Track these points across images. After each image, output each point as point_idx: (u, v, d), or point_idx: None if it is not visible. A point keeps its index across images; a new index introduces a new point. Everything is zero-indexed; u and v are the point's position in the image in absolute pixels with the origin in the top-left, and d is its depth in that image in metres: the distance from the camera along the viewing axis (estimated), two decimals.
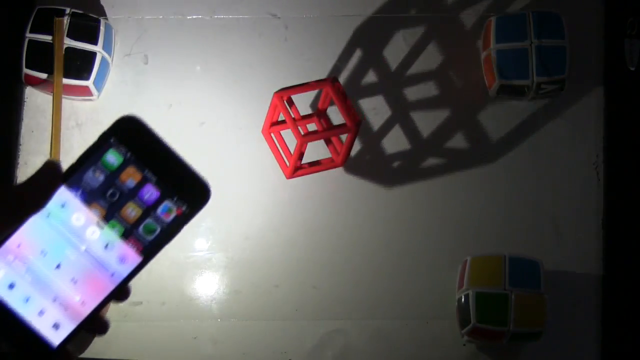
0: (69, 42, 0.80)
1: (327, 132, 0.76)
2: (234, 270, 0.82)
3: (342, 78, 0.84)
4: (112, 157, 0.43)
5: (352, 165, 0.84)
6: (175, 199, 0.43)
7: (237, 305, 0.81)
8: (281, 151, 0.81)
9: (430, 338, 0.81)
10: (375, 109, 0.85)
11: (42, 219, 0.42)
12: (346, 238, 0.83)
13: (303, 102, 0.81)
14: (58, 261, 0.43)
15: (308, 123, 0.81)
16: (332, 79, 0.76)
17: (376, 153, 0.84)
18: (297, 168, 0.79)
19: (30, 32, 0.80)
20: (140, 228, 0.43)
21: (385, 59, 0.86)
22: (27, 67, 0.80)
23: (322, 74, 0.77)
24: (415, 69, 0.86)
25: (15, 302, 0.42)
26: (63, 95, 0.80)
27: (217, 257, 0.82)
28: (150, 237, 0.43)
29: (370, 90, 0.86)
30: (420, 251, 0.82)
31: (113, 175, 0.43)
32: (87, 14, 0.82)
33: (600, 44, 0.86)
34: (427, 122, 0.85)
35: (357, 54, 0.86)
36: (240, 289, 0.82)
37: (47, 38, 0.80)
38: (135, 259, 0.44)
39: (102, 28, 0.82)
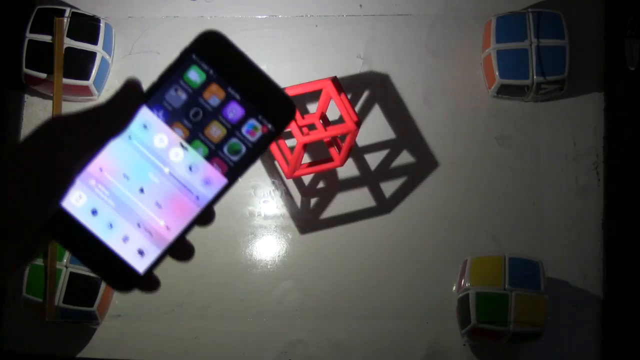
0: (69, 42, 0.80)
1: (327, 132, 0.76)
2: (233, 271, 0.82)
3: (342, 78, 0.84)
4: (195, 74, 0.41)
5: (352, 165, 0.84)
6: (260, 116, 0.41)
7: (237, 305, 0.81)
8: (281, 151, 0.81)
9: (430, 338, 0.81)
10: (374, 110, 0.85)
11: (124, 141, 0.40)
12: (346, 238, 0.83)
13: (303, 102, 0.81)
14: (141, 185, 0.41)
15: (308, 123, 0.81)
16: (332, 79, 0.76)
17: (376, 153, 0.84)
18: (297, 168, 0.79)
19: (30, 32, 0.80)
20: (225, 148, 0.41)
21: (385, 59, 0.86)
22: (27, 67, 0.80)
23: (322, 74, 0.77)
24: (415, 68, 0.86)
25: (98, 229, 0.41)
26: (63, 95, 0.80)
27: (217, 257, 0.82)
28: (236, 157, 0.41)
29: (370, 91, 0.86)
30: (420, 251, 0.82)
31: (196, 93, 0.41)
32: (87, 14, 0.82)
33: (600, 44, 0.86)
34: (427, 122, 0.85)
35: (357, 54, 0.86)
36: (240, 289, 0.82)
37: (47, 38, 0.80)
38: (220, 180, 0.42)
39: (102, 28, 0.82)
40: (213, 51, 0.41)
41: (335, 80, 0.76)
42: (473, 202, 0.83)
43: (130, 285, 0.42)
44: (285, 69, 0.85)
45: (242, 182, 0.83)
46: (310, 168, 0.80)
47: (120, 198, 0.41)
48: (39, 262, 0.76)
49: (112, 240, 0.41)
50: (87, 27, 0.81)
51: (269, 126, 0.41)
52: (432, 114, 0.85)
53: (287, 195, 0.84)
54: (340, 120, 0.76)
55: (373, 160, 0.84)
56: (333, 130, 0.76)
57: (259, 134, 0.41)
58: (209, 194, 0.42)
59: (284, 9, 0.87)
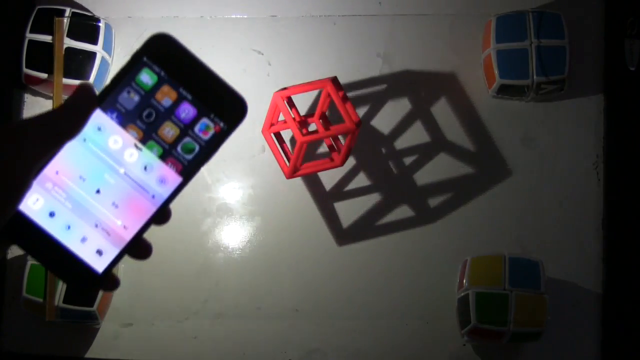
0: (69, 42, 0.80)
1: (327, 132, 0.76)
2: (233, 270, 0.82)
3: (342, 78, 0.84)
4: (146, 76, 0.41)
5: (352, 165, 0.84)
6: (212, 116, 0.42)
7: (237, 305, 0.81)
8: (281, 151, 0.81)
9: (430, 338, 0.81)
10: (374, 109, 0.85)
11: (79, 144, 0.41)
12: (346, 238, 0.83)
13: (303, 102, 0.81)
14: (97, 186, 0.42)
15: (308, 123, 0.81)
16: (332, 79, 0.76)
17: (376, 153, 0.84)
18: (297, 168, 0.79)
19: (30, 32, 0.80)
20: (179, 147, 0.42)
21: (385, 59, 0.86)
22: (27, 67, 0.80)
23: (322, 74, 0.77)
24: (415, 68, 0.86)
25: (57, 231, 0.41)
26: (63, 95, 0.80)
27: (217, 257, 0.82)
28: (190, 156, 0.42)
29: (370, 90, 0.86)
30: (421, 251, 0.82)
31: (148, 95, 0.42)
32: (87, 14, 0.82)
33: (600, 44, 0.86)
34: (427, 121, 0.85)
35: (357, 54, 0.86)
36: (240, 288, 0.82)
37: (47, 38, 0.80)
38: (175, 179, 0.43)
39: (102, 28, 0.82)
40: (164, 53, 0.41)
41: (335, 80, 0.76)
42: (473, 202, 0.83)
43: (90, 285, 0.42)
44: (285, 69, 0.85)
45: (243, 179, 0.83)
46: (311, 168, 0.80)
47: (77, 200, 0.42)
48: None
49: (71, 242, 0.42)
50: (87, 27, 0.81)
51: (222, 125, 0.42)
52: (432, 114, 0.85)
53: (284, 194, 0.84)
54: (341, 120, 0.76)
55: (373, 160, 0.84)
56: (333, 130, 0.76)
57: (211, 133, 0.42)
58: (164, 192, 0.43)
59: (284, 9, 0.87)
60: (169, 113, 0.42)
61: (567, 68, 0.80)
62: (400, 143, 0.85)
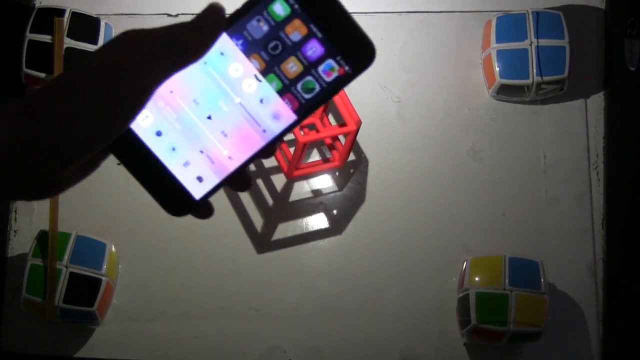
0: (69, 42, 0.80)
1: (327, 132, 0.76)
2: (234, 270, 0.82)
3: None
4: (280, 7, 0.40)
5: (352, 165, 0.84)
6: (339, 58, 0.40)
7: (237, 305, 0.81)
8: (281, 151, 0.81)
9: (430, 338, 0.81)
10: (375, 109, 0.85)
11: (199, 66, 0.40)
12: (346, 238, 0.83)
13: None
14: (210, 112, 0.40)
15: (308, 123, 0.81)
16: None
17: (376, 153, 0.84)
18: (297, 168, 0.79)
19: (30, 32, 0.80)
20: (299, 85, 0.40)
21: (385, 59, 0.86)
22: (27, 67, 0.80)
23: None
24: (415, 68, 0.86)
25: (161, 150, 0.40)
26: None
27: (217, 257, 0.82)
28: (308, 96, 0.41)
29: (370, 90, 0.86)
30: (420, 251, 0.82)
31: (278, 26, 0.40)
32: (87, 14, 0.82)
33: (600, 44, 0.86)
34: (426, 121, 0.85)
35: None
36: (240, 288, 0.82)
37: (47, 38, 0.80)
38: (289, 116, 0.41)
39: (102, 28, 0.82)
40: None
41: None
42: (473, 202, 0.83)
43: (185, 211, 0.41)
44: None
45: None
46: (310, 168, 0.80)
47: (186, 122, 0.40)
48: (39, 262, 0.76)
49: (173, 164, 0.41)
50: (87, 27, 0.81)
51: (347, 68, 0.40)
52: (432, 114, 0.85)
53: (284, 194, 0.84)
54: (341, 120, 0.76)
55: (373, 160, 0.84)
56: (333, 130, 0.76)
57: (335, 75, 0.40)
58: (276, 128, 0.41)
59: None
60: (296, 48, 0.40)
61: (567, 68, 0.81)
62: (400, 143, 0.85)
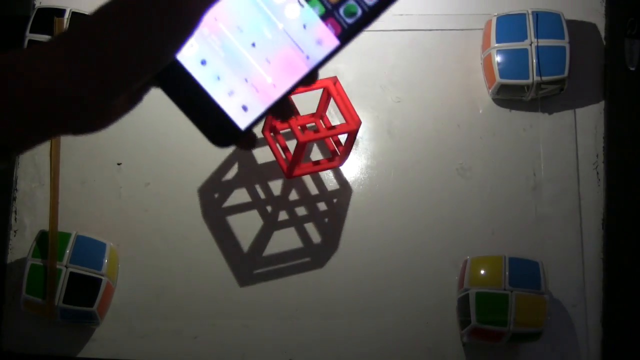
0: None
1: (327, 132, 0.76)
2: (234, 270, 0.82)
3: (342, 78, 0.84)
4: None
5: (352, 165, 0.84)
6: None
7: (237, 305, 0.81)
8: (281, 151, 0.81)
9: (430, 338, 0.81)
10: (375, 109, 0.85)
11: None
12: (346, 238, 0.83)
13: (303, 102, 0.81)
14: (254, 39, 0.40)
15: (308, 123, 0.81)
16: (332, 79, 0.76)
17: (376, 153, 0.84)
18: (297, 168, 0.79)
19: (30, 32, 0.80)
20: (342, 9, 0.40)
21: (385, 59, 0.86)
22: None
23: (322, 74, 0.77)
24: (415, 68, 0.86)
25: (206, 80, 0.40)
26: None
27: (217, 257, 0.82)
28: (351, 20, 0.40)
29: (370, 90, 0.86)
30: (420, 251, 0.82)
31: None
32: (87, 14, 0.82)
33: (600, 44, 0.86)
34: (426, 121, 0.85)
35: (357, 54, 0.86)
36: (240, 289, 0.82)
37: (47, 38, 0.80)
38: (332, 41, 0.40)
39: None
40: None
41: (335, 81, 0.76)
42: (473, 202, 0.83)
43: (230, 141, 0.41)
44: None
45: (243, 179, 0.83)
46: (310, 168, 0.80)
47: (231, 50, 0.40)
48: (39, 262, 0.76)
49: (218, 93, 0.40)
50: None
51: None
52: (432, 114, 0.85)
53: (284, 194, 0.84)
54: (341, 120, 0.76)
55: (373, 160, 0.84)
56: (333, 130, 0.76)
57: None
58: (319, 54, 0.41)
59: None
60: None
61: (567, 68, 0.80)
62: (400, 143, 0.85)
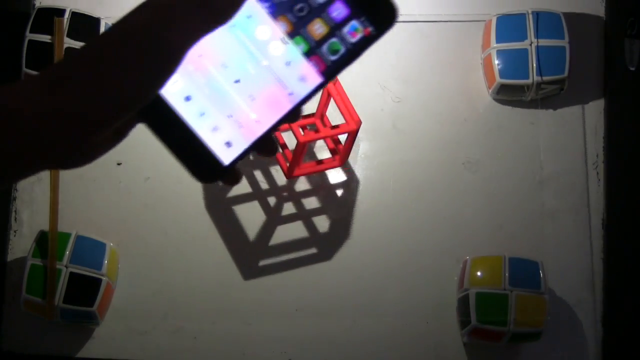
0: (69, 42, 0.80)
1: (327, 132, 0.76)
2: (234, 270, 0.82)
3: (342, 78, 0.84)
4: None
5: (352, 165, 0.84)
6: (363, 18, 0.41)
7: (237, 304, 0.81)
8: (281, 151, 0.81)
9: (430, 338, 0.81)
10: (374, 109, 0.85)
11: (227, 29, 0.40)
12: (346, 238, 0.83)
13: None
14: (238, 75, 0.41)
15: (308, 123, 0.81)
16: None
17: (376, 153, 0.84)
18: (297, 168, 0.79)
19: (30, 32, 0.80)
20: (325, 46, 0.41)
21: (385, 59, 0.86)
22: (27, 67, 0.80)
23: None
24: (415, 68, 0.86)
25: (190, 116, 0.40)
26: None
27: (217, 257, 0.82)
28: (334, 57, 0.41)
29: (370, 90, 0.86)
30: (420, 251, 0.82)
31: None
32: (87, 14, 0.82)
33: (600, 44, 0.86)
34: (426, 122, 0.85)
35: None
36: (240, 288, 0.82)
37: (47, 38, 0.80)
38: (315, 78, 0.41)
39: (102, 28, 0.82)
40: None
41: (335, 81, 0.76)
42: (473, 202, 0.83)
43: (214, 177, 0.41)
44: None
45: (243, 179, 0.83)
46: (310, 168, 0.80)
47: (215, 87, 0.41)
48: (39, 262, 0.76)
49: (202, 129, 0.41)
50: (87, 27, 0.81)
51: (371, 29, 0.41)
52: (432, 114, 0.85)
53: (284, 194, 0.84)
54: (341, 120, 0.76)
55: (373, 160, 0.84)
56: (333, 130, 0.76)
57: (360, 35, 0.41)
58: (303, 91, 0.41)
59: None
60: (322, 9, 0.40)
61: (567, 68, 0.81)
62: (400, 143, 0.85)
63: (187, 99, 0.40)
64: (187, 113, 0.40)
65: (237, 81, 0.41)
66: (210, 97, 0.41)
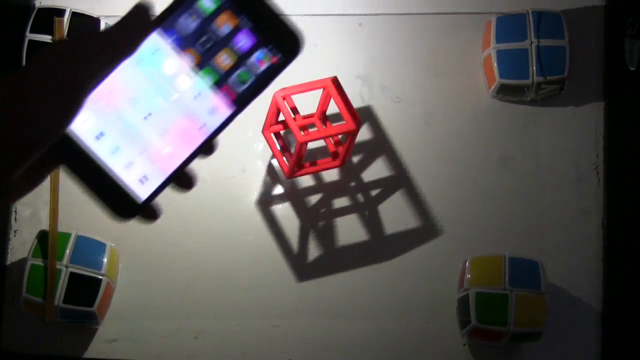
0: None
1: (327, 132, 0.76)
2: (233, 270, 0.82)
3: (342, 78, 0.84)
4: (209, 0, 0.41)
5: (352, 165, 0.84)
6: (270, 46, 0.41)
7: (237, 305, 0.81)
8: (281, 151, 0.81)
9: (430, 338, 0.81)
10: (374, 109, 0.85)
11: (134, 65, 0.40)
12: (346, 238, 0.83)
13: (303, 102, 0.81)
14: (149, 110, 0.41)
15: (308, 123, 0.81)
16: (332, 79, 0.76)
17: (376, 153, 0.84)
18: (297, 168, 0.79)
19: (30, 32, 0.80)
20: (234, 76, 0.41)
21: (385, 59, 0.86)
22: None
23: (322, 74, 0.77)
24: (415, 68, 0.86)
25: (103, 153, 0.40)
26: None
27: (217, 257, 0.82)
28: (244, 87, 0.41)
29: (370, 90, 0.86)
30: (421, 251, 0.82)
31: (209, 19, 0.41)
32: (87, 14, 0.82)
33: (600, 44, 0.86)
34: (427, 122, 0.85)
35: (357, 54, 0.86)
36: (239, 288, 0.82)
37: (47, 38, 0.80)
38: (227, 109, 0.42)
39: (102, 28, 0.82)
40: None
41: (335, 80, 0.76)
42: (473, 202, 0.83)
43: (131, 214, 0.42)
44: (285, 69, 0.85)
45: (243, 178, 0.83)
46: (311, 168, 0.80)
47: (126, 123, 0.41)
48: (39, 262, 0.76)
49: (116, 166, 0.41)
50: (87, 27, 0.81)
51: (278, 57, 0.41)
52: (432, 114, 0.85)
53: (284, 194, 0.84)
54: (341, 120, 0.76)
55: (373, 160, 0.84)
56: (333, 130, 0.76)
57: (268, 64, 0.41)
58: (214, 122, 0.42)
59: (284, 9, 0.87)
60: (228, 40, 0.41)
61: (567, 68, 0.80)
62: (400, 143, 0.85)
63: (100, 136, 0.40)
64: (100, 150, 0.40)
65: (148, 116, 0.41)
66: (122, 133, 0.41)
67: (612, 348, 0.81)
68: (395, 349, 0.81)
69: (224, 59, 0.41)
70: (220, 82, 0.41)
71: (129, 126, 0.41)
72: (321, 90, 0.78)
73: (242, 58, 0.41)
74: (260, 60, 0.41)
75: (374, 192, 0.84)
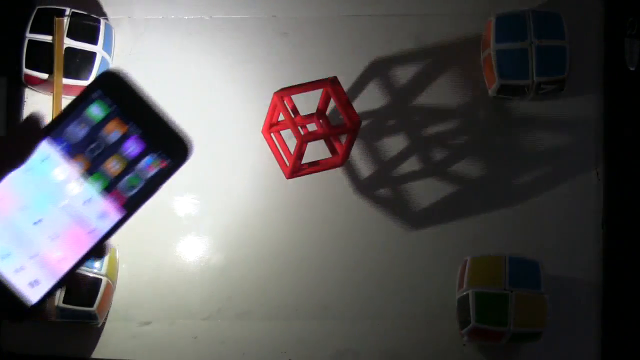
0: (69, 42, 0.80)
1: (327, 132, 0.76)
2: (233, 271, 0.82)
3: (342, 78, 0.84)
4: (97, 109, 0.42)
5: (352, 165, 0.84)
6: (159, 152, 0.42)
7: (237, 305, 0.81)
8: (281, 151, 0.81)
9: (430, 338, 0.81)
10: (374, 109, 0.85)
11: (23, 173, 0.41)
12: (346, 238, 0.83)
13: (303, 102, 0.81)
14: (39, 217, 0.42)
15: (308, 123, 0.81)
16: (332, 79, 0.76)
17: (376, 153, 0.84)
18: (297, 168, 0.79)
19: (30, 32, 0.80)
20: (124, 182, 0.42)
21: (385, 59, 0.86)
22: (27, 67, 0.80)
23: (322, 74, 0.77)
24: (415, 68, 0.86)
25: None
26: (63, 95, 0.80)
27: (217, 257, 0.82)
28: (132, 192, 0.42)
29: (370, 91, 0.86)
30: (421, 251, 0.82)
31: (97, 127, 0.42)
32: (87, 14, 0.82)
33: (600, 44, 0.86)
34: (427, 121, 0.85)
35: (357, 54, 0.86)
36: (239, 289, 0.82)
37: (47, 38, 0.80)
38: (116, 214, 0.43)
39: (102, 28, 0.82)
40: (117, 88, 0.42)
41: (335, 80, 0.76)
42: (473, 202, 0.83)
43: (21, 317, 0.42)
44: (285, 69, 0.85)
45: (243, 179, 0.83)
46: (311, 168, 0.80)
47: (18, 228, 0.42)
48: None
49: (6, 271, 0.42)
50: (87, 27, 0.81)
51: (168, 161, 0.42)
52: (432, 114, 0.85)
53: (285, 193, 0.84)
54: (341, 120, 0.76)
55: (373, 160, 0.84)
56: (333, 130, 0.76)
57: (157, 168, 0.42)
58: (104, 227, 0.43)
59: (284, 10, 0.87)
60: (117, 146, 0.42)
61: (567, 68, 0.80)
62: (400, 143, 0.85)
63: None
64: None
65: (38, 222, 0.42)
66: (12, 239, 0.42)
67: (612, 348, 0.81)
68: (395, 349, 0.81)
69: (113, 165, 0.42)
70: (110, 187, 0.42)
71: (19, 232, 0.42)
72: (321, 90, 0.78)
73: (131, 163, 0.42)
74: (150, 165, 0.42)
75: (373, 193, 0.84)
